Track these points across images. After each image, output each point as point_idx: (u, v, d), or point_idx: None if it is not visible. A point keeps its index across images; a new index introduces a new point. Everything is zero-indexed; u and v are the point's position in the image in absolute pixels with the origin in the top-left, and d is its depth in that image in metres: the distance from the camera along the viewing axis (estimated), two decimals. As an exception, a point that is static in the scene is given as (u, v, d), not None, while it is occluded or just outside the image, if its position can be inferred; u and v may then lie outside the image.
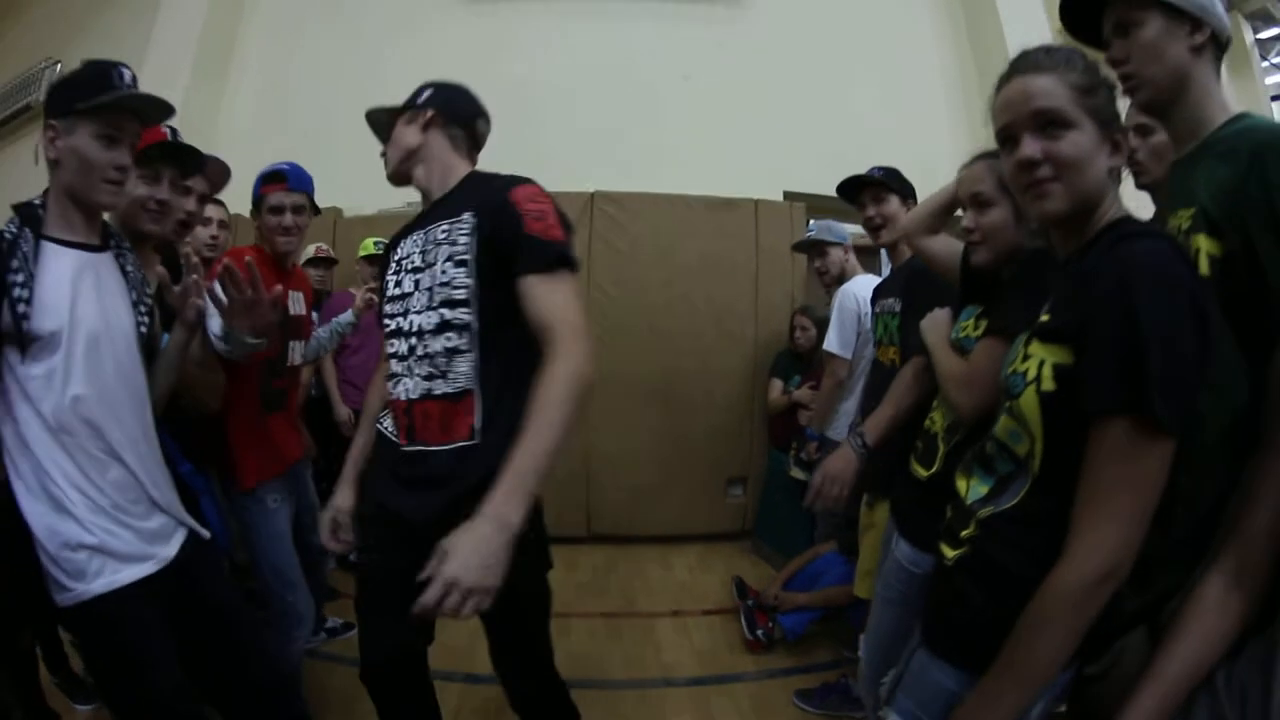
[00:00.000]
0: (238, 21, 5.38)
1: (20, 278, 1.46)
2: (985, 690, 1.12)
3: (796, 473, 3.96)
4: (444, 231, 1.62)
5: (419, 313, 1.63)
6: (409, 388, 1.65)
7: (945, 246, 2.06)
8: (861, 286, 3.15)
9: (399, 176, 1.83)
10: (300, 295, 2.55)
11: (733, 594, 3.67)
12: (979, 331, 1.74)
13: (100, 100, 1.51)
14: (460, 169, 1.79)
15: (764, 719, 2.82)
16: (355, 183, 4.60)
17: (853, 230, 3.75)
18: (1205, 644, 1.00)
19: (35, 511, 1.48)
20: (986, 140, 1.36)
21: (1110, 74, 1.28)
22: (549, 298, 1.48)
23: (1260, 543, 1.00)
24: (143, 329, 1.68)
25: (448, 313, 1.59)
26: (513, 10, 5.23)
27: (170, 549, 1.66)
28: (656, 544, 4.61)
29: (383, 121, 1.86)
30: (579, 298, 1.53)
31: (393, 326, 1.72)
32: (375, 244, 4.19)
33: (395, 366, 1.71)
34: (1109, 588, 1.02)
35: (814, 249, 3.56)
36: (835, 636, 3.25)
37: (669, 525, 4.67)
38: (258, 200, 2.53)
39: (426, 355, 1.62)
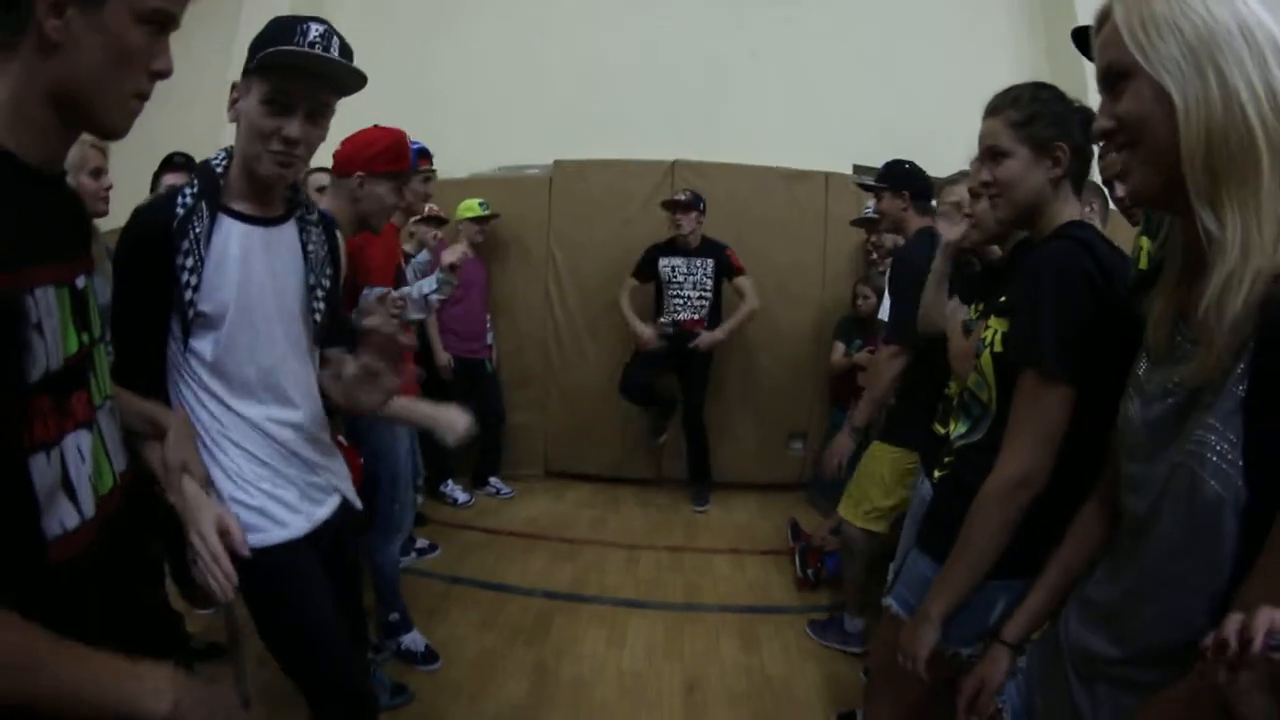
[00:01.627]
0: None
1: (190, 261, 1.43)
2: (943, 572, 1.49)
3: (853, 430, 4.24)
4: (699, 264, 4.52)
5: (690, 289, 4.52)
6: (685, 315, 4.52)
7: (952, 312, 2.38)
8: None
9: None
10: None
11: (787, 535, 4.02)
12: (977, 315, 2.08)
13: (265, 56, 1.40)
14: (700, 234, 4.48)
15: (803, 645, 3.17)
16: (448, 148, 4.96)
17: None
18: (1075, 549, 1.28)
19: None
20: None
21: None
22: (744, 284, 4.50)
23: (1112, 470, 1.22)
24: (316, 315, 1.64)
25: (705, 291, 4.52)
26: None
27: (324, 510, 1.68)
28: (720, 489, 4.94)
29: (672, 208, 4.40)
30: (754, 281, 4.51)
31: (674, 293, 4.53)
32: (480, 204, 4.57)
33: (676, 304, 4.53)
34: (1024, 493, 1.35)
35: (871, 224, 3.84)
36: (873, 581, 3.57)
37: (732, 472, 5.00)
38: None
39: (691, 305, 4.52)
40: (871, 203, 3.88)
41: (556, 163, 4.98)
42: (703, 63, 5.19)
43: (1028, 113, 1.52)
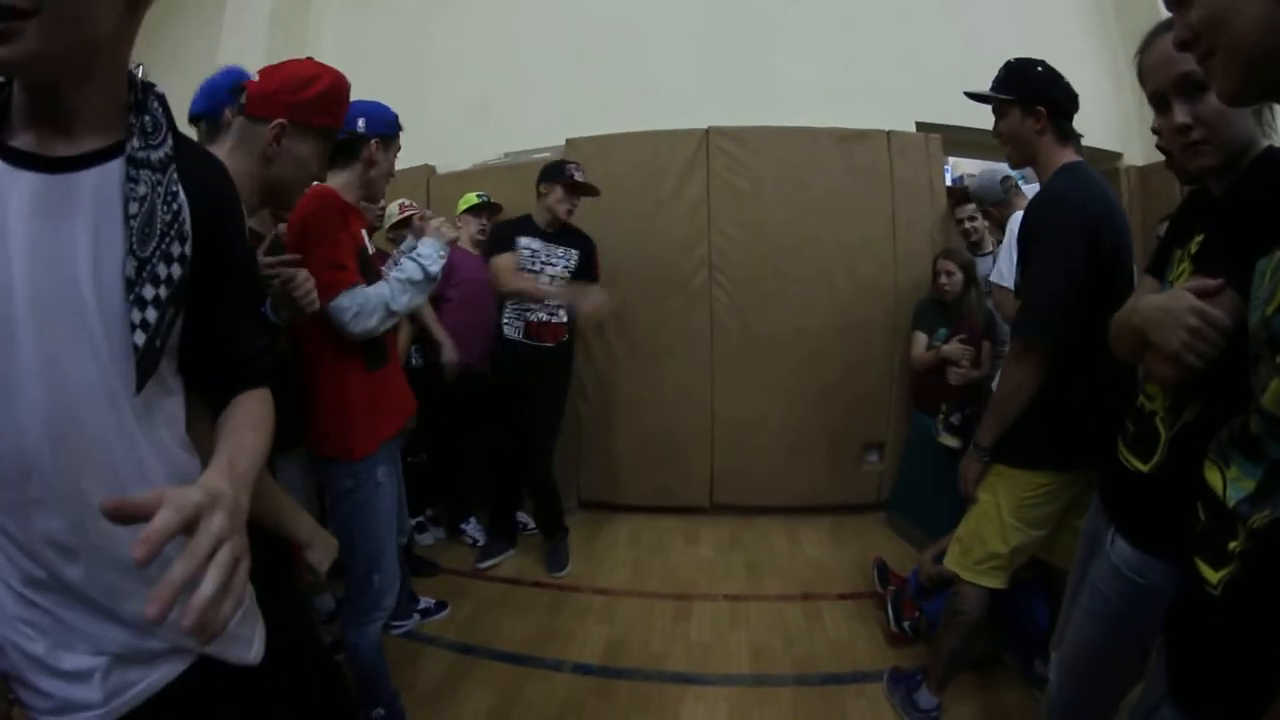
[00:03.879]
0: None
1: None
2: None
3: (946, 439, 3.46)
4: (562, 254, 3.52)
5: (545, 283, 3.48)
6: (537, 315, 3.52)
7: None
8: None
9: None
10: (366, 233, 2.25)
11: (874, 581, 3.24)
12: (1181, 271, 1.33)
13: None
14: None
15: (913, 729, 2.41)
16: (446, 140, 4.41)
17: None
18: None
19: None
20: (1127, 50, 0.95)
21: None
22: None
23: None
24: (141, 330, 0.91)
25: None
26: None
27: (154, 676, 0.99)
28: (784, 515, 4.25)
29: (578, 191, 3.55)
30: None
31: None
32: (479, 196, 3.94)
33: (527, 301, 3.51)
34: None
35: (964, 196, 3.08)
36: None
37: (798, 496, 4.28)
38: (391, 138, 2.20)
39: (546, 305, 3.52)
40: (950, 168, 3.12)
41: (569, 141, 4.27)
42: (737, 13, 4.48)
43: None
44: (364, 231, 2.19)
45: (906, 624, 2.89)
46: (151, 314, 0.91)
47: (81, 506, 0.89)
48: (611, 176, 4.05)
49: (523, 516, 4.19)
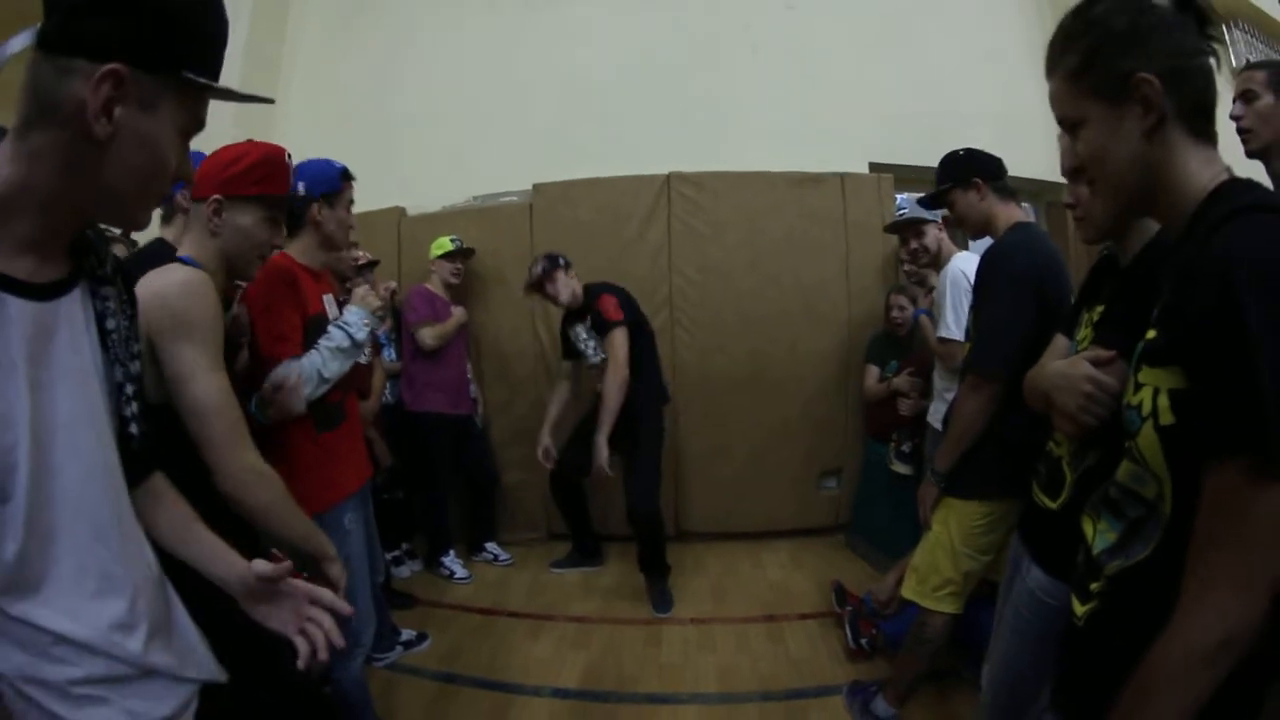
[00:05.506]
0: (283, 29, 5.15)
1: None
2: None
3: (898, 466, 3.69)
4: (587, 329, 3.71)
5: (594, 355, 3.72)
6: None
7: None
8: (968, 264, 2.87)
9: None
10: (331, 297, 2.30)
11: (833, 602, 3.43)
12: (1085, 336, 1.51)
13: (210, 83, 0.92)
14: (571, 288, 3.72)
15: (869, 741, 2.58)
16: (417, 181, 4.54)
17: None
18: None
19: None
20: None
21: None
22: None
23: None
24: (134, 435, 1.04)
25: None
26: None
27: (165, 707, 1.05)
28: (747, 540, 4.42)
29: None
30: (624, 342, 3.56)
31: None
32: (452, 240, 4.10)
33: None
34: (1222, 661, 0.84)
35: (909, 228, 3.28)
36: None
37: (760, 521, 4.46)
38: (335, 194, 2.24)
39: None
40: (903, 200, 3.37)
41: (536, 187, 4.45)
42: (697, 64, 4.68)
43: (1085, 50, 1.03)
44: (328, 295, 2.25)
45: (864, 641, 3.07)
46: (136, 407, 1.04)
47: (133, 582, 0.99)
48: (577, 221, 4.25)
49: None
